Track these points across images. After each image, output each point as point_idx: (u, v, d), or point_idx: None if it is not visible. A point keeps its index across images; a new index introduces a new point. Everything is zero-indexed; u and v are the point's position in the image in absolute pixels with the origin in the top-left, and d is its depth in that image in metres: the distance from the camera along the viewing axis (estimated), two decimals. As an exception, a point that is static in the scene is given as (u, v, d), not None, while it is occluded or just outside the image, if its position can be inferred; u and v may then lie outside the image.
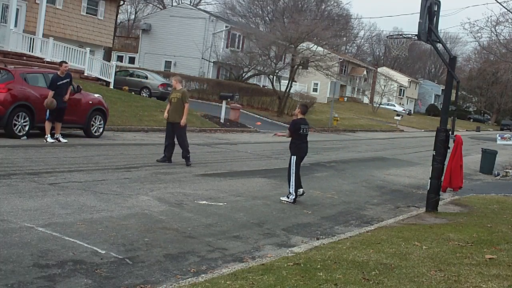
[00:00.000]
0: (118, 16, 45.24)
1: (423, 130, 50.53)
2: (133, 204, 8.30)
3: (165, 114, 12.98)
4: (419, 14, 9.74)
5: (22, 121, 13.55)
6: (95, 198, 8.34)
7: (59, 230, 6.47)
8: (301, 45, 37.34)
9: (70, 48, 25.90)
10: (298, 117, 10.28)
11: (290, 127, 10.26)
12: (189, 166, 12.57)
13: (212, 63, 45.52)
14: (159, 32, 47.70)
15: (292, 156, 10.12)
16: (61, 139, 13.95)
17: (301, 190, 10.25)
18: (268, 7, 73.20)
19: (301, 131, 10.12)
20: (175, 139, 12.91)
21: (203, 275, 5.46)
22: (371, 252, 6.50)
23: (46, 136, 13.64)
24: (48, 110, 13.56)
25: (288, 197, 10.03)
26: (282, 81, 40.00)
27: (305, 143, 10.29)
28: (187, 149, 12.82)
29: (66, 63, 14.38)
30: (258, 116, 33.59)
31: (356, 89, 72.24)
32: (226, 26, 46.86)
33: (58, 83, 13.66)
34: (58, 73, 13.96)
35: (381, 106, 62.34)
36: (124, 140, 16.41)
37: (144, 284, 5.18)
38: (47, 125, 13.69)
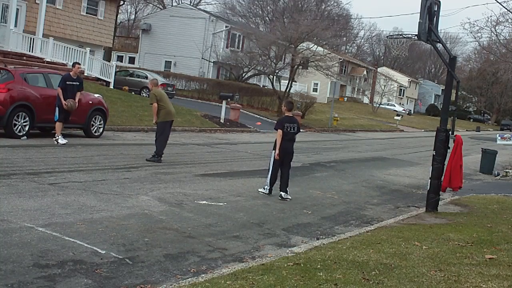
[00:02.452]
0: (118, 16, 45.28)
1: (423, 130, 50.52)
2: (133, 204, 8.30)
3: None
4: (419, 14, 9.75)
5: (22, 121, 13.54)
6: (95, 198, 8.34)
7: (59, 230, 6.47)
8: (301, 45, 37.31)
9: (70, 48, 25.92)
10: (285, 115, 10.53)
11: (276, 125, 10.52)
12: (148, 161, 12.59)
13: (212, 63, 45.51)
14: (159, 32, 47.67)
15: (272, 151, 10.46)
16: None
17: (282, 193, 10.24)
18: (268, 7, 73.17)
19: (285, 129, 10.28)
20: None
21: (203, 275, 5.46)
22: (371, 252, 6.50)
23: (57, 137, 13.50)
24: (57, 111, 13.51)
25: (264, 188, 10.50)
26: (282, 81, 39.98)
27: (289, 141, 10.41)
28: (159, 148, 12.84)
29: (79, 64, 14.46)
30: (258, 116, 33.60)
31: (356, 89, 72.22)
32: (226, 26, 46.84)
33: (67, 82, 13.66)
34: (71, 73, 13.98)
35: (381, 106, 62.36)
36: (124, 140, 16.41)
37: (144, 284, 5.18)
38: (58, 126, 13.60)
